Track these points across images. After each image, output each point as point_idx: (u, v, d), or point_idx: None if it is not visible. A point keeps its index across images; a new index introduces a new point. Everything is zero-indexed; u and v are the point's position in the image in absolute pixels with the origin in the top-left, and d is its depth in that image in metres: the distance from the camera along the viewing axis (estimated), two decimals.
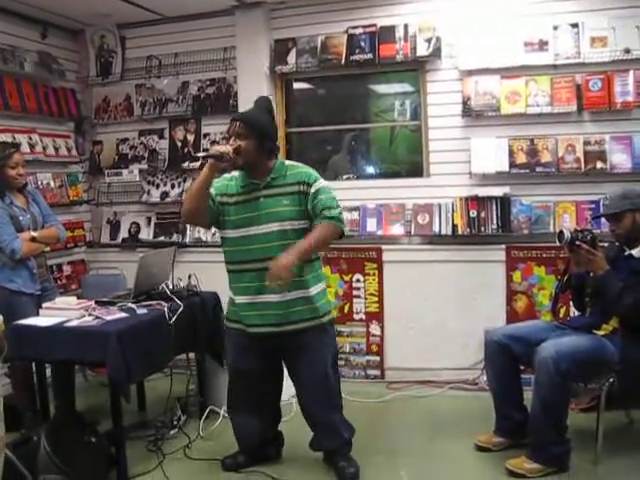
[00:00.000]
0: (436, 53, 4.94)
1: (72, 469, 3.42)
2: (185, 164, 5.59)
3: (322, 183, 3.31)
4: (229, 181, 3.43)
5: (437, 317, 5.08)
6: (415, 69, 5.19)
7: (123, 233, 5.95)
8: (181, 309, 3.94)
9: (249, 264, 3.32)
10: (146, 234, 5.86)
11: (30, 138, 5.29)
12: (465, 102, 4.88)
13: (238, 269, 3.38)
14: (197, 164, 5.56)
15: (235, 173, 3.43)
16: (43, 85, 5.51)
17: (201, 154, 3.44)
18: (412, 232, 5.08)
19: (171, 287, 4.20)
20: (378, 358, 5.23)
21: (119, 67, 5.89)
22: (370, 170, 5.71)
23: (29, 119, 5.36)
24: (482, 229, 4.89)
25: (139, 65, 5.84)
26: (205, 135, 5.64)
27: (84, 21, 5.73)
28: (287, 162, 3.45)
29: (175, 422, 4.31)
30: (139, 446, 4.04)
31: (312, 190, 3.26)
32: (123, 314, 3.82)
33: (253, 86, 5.27)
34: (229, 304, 3.56)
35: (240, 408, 3.63)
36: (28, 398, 4.28)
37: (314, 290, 3.39)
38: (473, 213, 4.91)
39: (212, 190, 3.35)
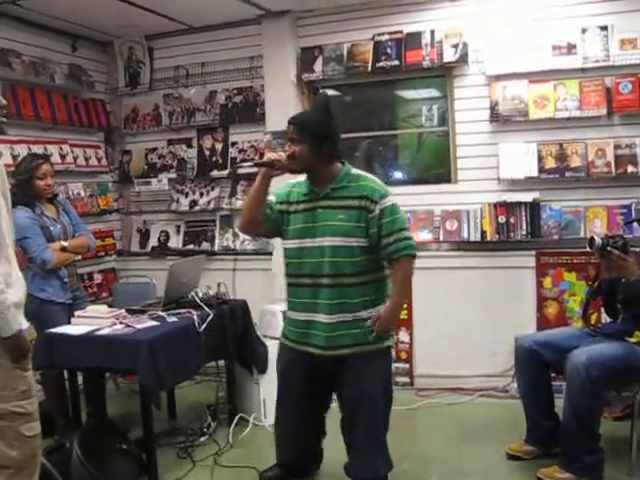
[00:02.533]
0: (463, 59, 4.92)
1: (104, 475, 3.46)
2: (214, 172, 5.64)
3: (389, 201, 3.02)
4: (292, 187, 3.22)
5: (467, 324, 5.05)
6: (442, 75, 5.18)
7: (153, 241, 6.01)
8: (210, 317, 3.97)
9: (302, 278, 3.12)
10: (175, 242, 5.90)
11: (61, 149, 5.37)
12: (493, 107, 4.86)
13: (293, 282, 3.19)
14: (225, 172, 5.61)
15: (300, 179, 3.22)
16: (73, 96, 5.60)
17: (248, 163, 3.29)
18: (441, 238, 5.07)
19: (200, 295, 4.23)
20: (407, 365, 5.21)
21: (147, 77, 5.96)
22: (398, 176, 5.69)
23: (60, 130, 5.45)
24: (511, 235, 4.86)
25: (167, 75, 5.91)
26: (233, 144, 5.68)
27: (113, 33, 5.80)
28: (354, 171, 3.14)
29: (205, 429, 4.33)
30: (170, 453, 4.07)
31: (377, 210, 2.99)
32: (153, 322, 3.86)
33: (280, 94, 5.30)
34: (284, 318, 3.39)
35: (286, 422, 3.43)
36: (61, 405, 4.33)
37: (374, 312, 3.10)
38: (502, 219, 4.88)
39: (272, 197, 3.19)
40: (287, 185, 3.26)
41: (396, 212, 3.03)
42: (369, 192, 3.02)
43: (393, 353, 5.07)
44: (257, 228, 3.26)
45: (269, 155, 3.11)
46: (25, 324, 2.62)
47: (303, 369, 3.23)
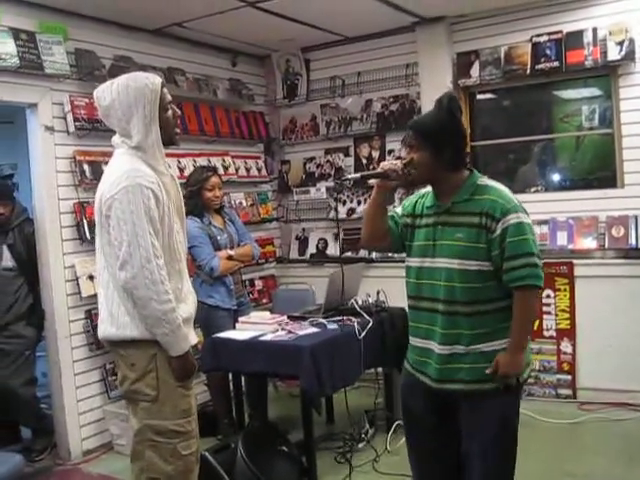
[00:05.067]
0: (630, 56, 4.68)
1: (266, 476, 3.58)
2: (371, 180, 5.62)
3: (514, 219, 2.53)
4: (420, 198, 2.85)
5: (635, 335, 4.77)
6: (605, 74, 4.96)
7: (311, 249, 6.15)
8: (370, 325, 4.02)
9: (421, 301, 2.74)
10: (333, 250, 5.99)
11: (224, 160, 5.63)
12: None
13: (413, 305, 2.81)
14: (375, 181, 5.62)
15: (429, 190, 2.82)
16: (234, 110, 5.85)
17: (355, 175, 3.01)
18: (606, 246, 4.84)
19: (360, 303, 4.28)
20: (570, 377, 5.01)
21: (304, 89, 6.12)
22: (558, 181, 5.49)
23: (222, 142, 5.71)
24: None
25: (323, 86, 6.03)
26: (390, 151, 5.70)
27: (270, 47, 6.01)
28: (481, 181, 2.68)
29: (363, 435, 4.38)
30: (328, 457, 4.15)
31: (498, 229, 2.52)
32: (314, 329, 3.97)
33: None
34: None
35: (416, 461, 2.87)
36: (225, 406, 4.54)
37: (495, 345, 2.59)
38: None
39: (398, 210, 2.89)
40: (416, 196, 2.89)
41: (523, 232, 2.53)
42: (489, 208, 2.56)
43: (554, 364, 4.99)
44: (379, 243, 2.98)
45: (383, 165, 2.80)
46: (194, 339, 2.66)
47: (424, 396, 2.77)
